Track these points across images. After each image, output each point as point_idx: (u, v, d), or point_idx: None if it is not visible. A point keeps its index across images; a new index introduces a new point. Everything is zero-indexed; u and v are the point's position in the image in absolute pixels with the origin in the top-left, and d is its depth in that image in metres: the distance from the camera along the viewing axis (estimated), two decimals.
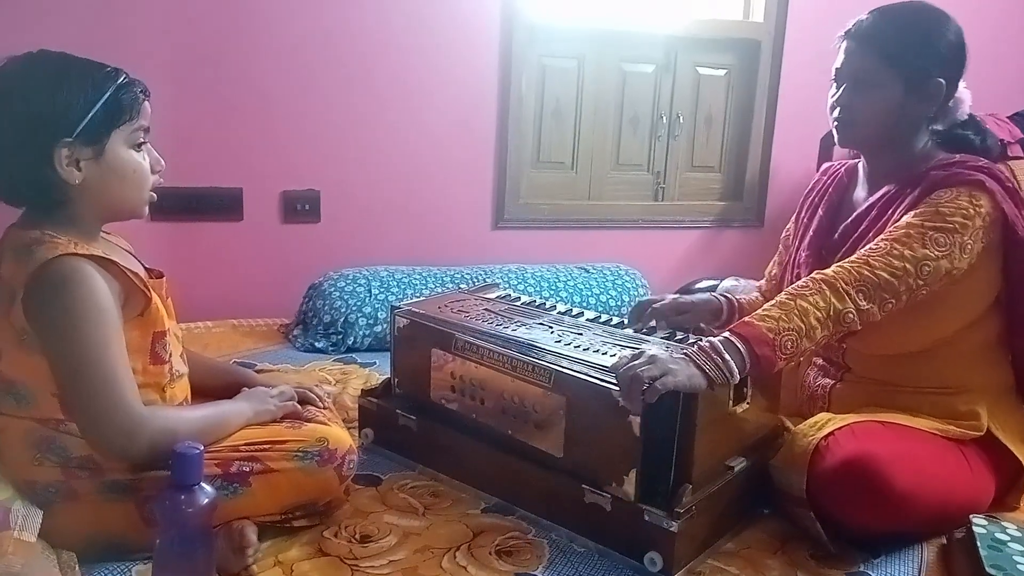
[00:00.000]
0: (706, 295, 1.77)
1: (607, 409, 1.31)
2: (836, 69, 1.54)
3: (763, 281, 1.85)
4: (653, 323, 1.64)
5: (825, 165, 1.76)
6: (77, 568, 1.19)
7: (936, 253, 1.39)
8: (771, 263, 1.84)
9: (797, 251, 1.69)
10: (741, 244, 3.07)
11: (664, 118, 2.94)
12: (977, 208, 1.42)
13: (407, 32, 2.54)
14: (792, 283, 1.61)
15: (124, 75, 1.26)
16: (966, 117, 1.55)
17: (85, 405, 1.20)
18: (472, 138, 2.70)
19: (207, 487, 1.14)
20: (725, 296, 1.76)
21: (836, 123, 1.55)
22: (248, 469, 1.28)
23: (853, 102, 1.51)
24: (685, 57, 2.92)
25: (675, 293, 1.82)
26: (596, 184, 2.94)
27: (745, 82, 2.99)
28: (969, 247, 1.41)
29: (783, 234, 1.81)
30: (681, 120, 2.96)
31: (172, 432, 1.21)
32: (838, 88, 1.54)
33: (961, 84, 1.53)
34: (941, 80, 1.48)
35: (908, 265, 1.39)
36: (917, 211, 1.44)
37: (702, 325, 1.71)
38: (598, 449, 1.35)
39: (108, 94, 1.22)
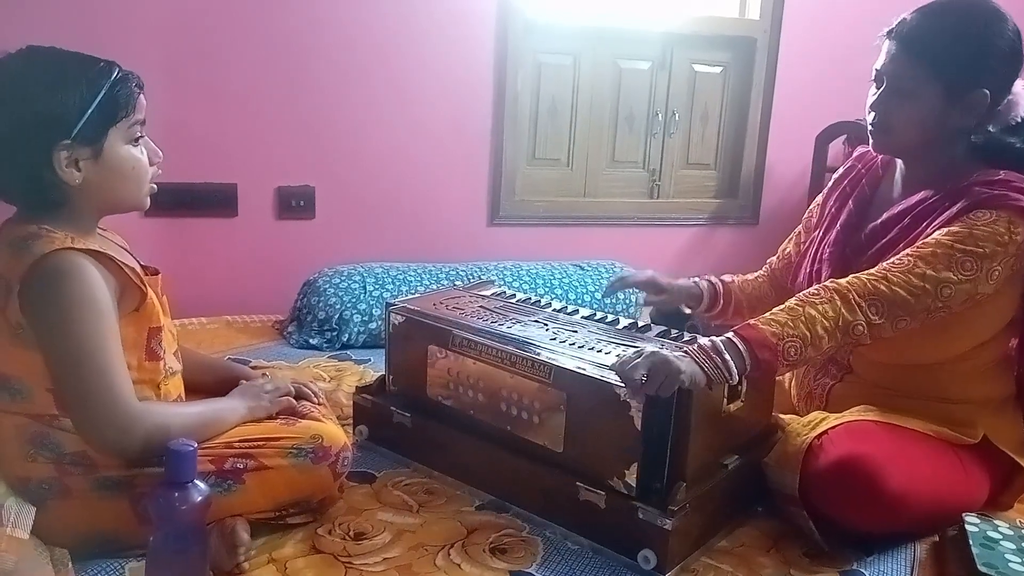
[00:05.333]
0: (687, 280, 1.74)
1: (608, 404, 1.32)
2: (876, 69, 1.48)
3: (774, 258, 1.81)
4: (639, 303, 1.62)
5: (861, 150, 1.68)
6: (70, 565, 1.19)
7: (960, 276, 1.35)
8: (787, 241, 1.80)
9: (821, 244, 1.63)
10: (736, 242, 3.07)
11: (660, 115, 2.94)
12: (1013, 235, 1.37)
13: (403, 28, 2.53)
14: (812, 277, 1.59)
15: (118, 69, 1.25)
16: (1020, 119, 1.47)
17: (80, 399, 1.19)
18: (467, 134, 2.69)
19: (201, 484, 1.14)
20: (708, 280, 1.74)
21: (871, 128, 1.50)
22: (242, 466, 1.28)
23: (890, 109, 1.46)
24: (681, 54, 2.92)
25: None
26: (591, 181, 2.94)
27: (741, 79, 2.99)
28: (997, 273, 1.37)
29: (805, 215, 1.76)
30: (677, 117, 2.96)
31: (166, 428, 1.21)
32: (877, 89, 1.49)
33: (1020, 83, 1.47)
34: (985, 91, 1.41)
35: (928, 285, 1.35)
36: (951, 229, 1.39)
37: (686, 310, 1.71)
38: (599, 444, 1.35)
39: (103, 92, 1.21)
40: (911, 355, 1.48)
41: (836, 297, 1.35)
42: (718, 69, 2.98)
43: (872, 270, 1.40)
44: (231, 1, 2.38)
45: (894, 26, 1.46)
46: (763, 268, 1.82)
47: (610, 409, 1.32)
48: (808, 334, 1.32)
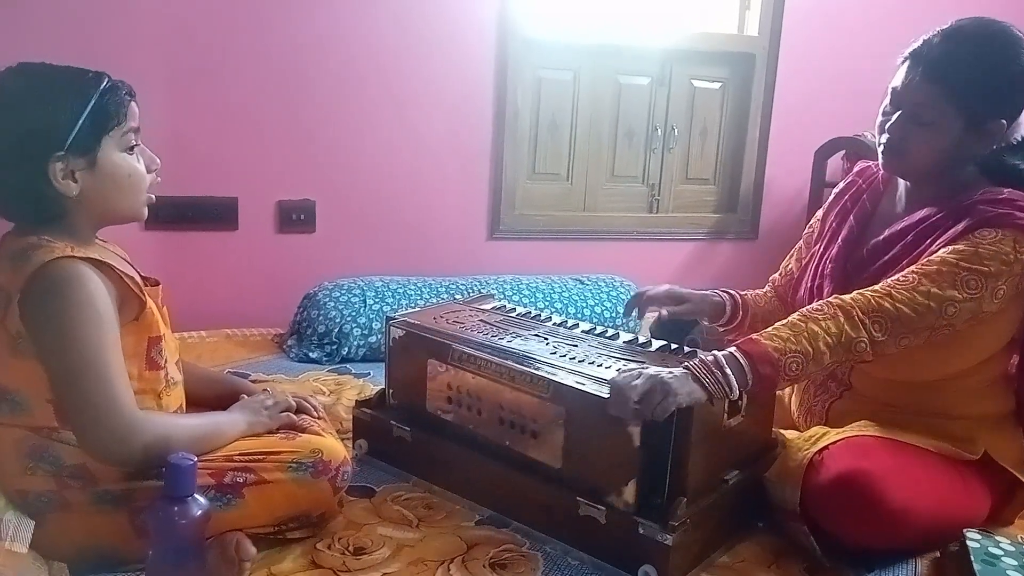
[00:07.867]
0: (706, 290, 1.72)
1: (606, 420, 1.31)
2: (894, 88, 1.46)
3: (776, 275, 1.80)
4: (652, 315, 1.61)
5: (861, 165, 1.68)
6: None
7: (964, 295, 1.35)
8: (788, 257, 1.79)
9: (822, 259, 1.63)
10: (735, 256, 3.08)
11: (659, 130, 2.95)
12: (1018, 255, 1.36)
13: (403, 44, 2.55)
14: (813, 292, 1.59)
15: (107, 78, 1.25)
16: (1018, 140, 1.45)
17: (80, 407, 1.19)
18: (468, 149, 2.70)
19: (200, 498, 1.13)
20: (728, 292, 1.73)
21: (883, 147, 1.48)
22: (241, 480, 1.28)
23: (907, 134, 1.44)
24: (680, 70, 2.93)
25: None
26: (591, 196, 2.95)
27: (740, 95, 3.01)
28: (1002, 292, 1.36)
29: (806, 230, 1.75)
30: (676, 132, 2.97)
31: (167, 438, 1.21)
32: (893, 111, 1.46)
33: None
34: (1003, 121, 1.41)
35: (932, 303, 1.34)
36: (956, 247, 1.38)
37: (703, 331, 1.69)
38: (597, 460, 1.35)
39: (93, 101, 1.22)
40: (913, 372, 1.47)
41: (840, 313, 1.35)
42: (717, 85, 3.00)
43: (876, 287, 1.39)
44: (232, 16, 2.39)
45: (918, 48, 1.44)
46: (766, 286, 1.81)
47: (608, 425, 1.31)
48: (810, 350, 1.32)
